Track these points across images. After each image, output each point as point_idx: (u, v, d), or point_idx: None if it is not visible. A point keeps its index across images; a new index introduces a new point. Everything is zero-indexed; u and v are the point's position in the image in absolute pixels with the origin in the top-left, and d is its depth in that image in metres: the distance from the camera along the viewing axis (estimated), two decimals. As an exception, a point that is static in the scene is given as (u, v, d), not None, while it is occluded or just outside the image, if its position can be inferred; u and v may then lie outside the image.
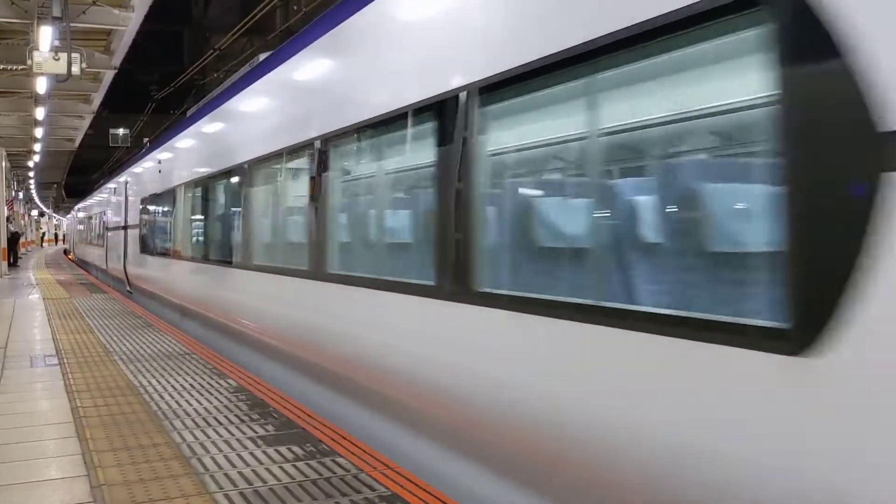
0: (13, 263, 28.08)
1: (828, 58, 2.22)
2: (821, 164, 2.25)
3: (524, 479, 3.55)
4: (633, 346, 2.93)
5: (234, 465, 4.19)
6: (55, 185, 55.43)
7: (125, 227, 18.13)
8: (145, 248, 15.16)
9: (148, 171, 15.51)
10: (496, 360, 3.79)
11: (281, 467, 4.16)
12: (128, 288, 17.57)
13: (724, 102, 3.16)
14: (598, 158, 3.47)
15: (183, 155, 12.28)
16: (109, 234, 21.79)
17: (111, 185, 22.92)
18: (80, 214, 36.54)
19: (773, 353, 2.37)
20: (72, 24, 12.39)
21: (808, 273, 2.28)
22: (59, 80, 13.48)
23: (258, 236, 8.12)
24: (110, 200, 22.41)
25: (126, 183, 18.52)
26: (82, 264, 32.31)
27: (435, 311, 4.20)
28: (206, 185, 10.30)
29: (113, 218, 21.31)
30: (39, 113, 18.83)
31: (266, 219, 8.04)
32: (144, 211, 15.47)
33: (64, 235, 71.52)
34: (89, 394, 6.06)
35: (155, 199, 14.16)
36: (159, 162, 14.06)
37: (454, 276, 4.05)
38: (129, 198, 17.74)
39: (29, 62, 12.47)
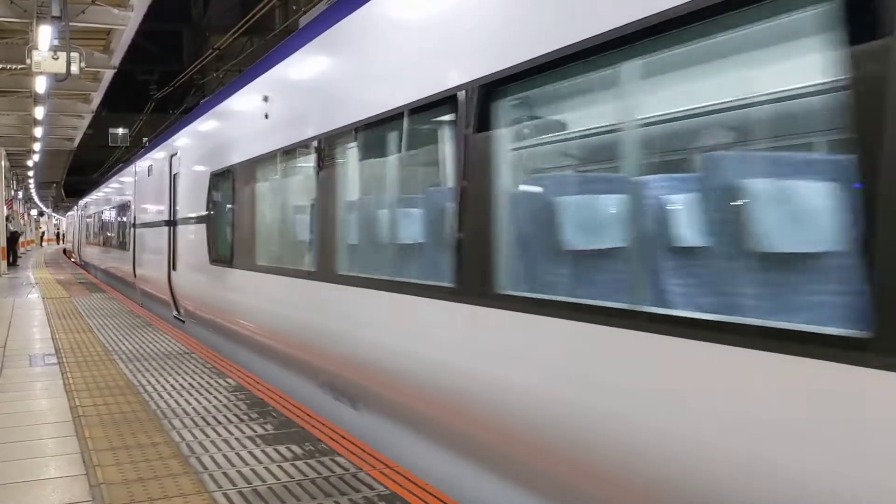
0: (12, 263, 28.07)
1: None
2: None
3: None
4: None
5: (232, 465, 4.19)
6: (55, 185, 55.42)
7: (171, 223, 11.86)
8: (223, 254, 8.95)
9: (232, 123, 9.02)
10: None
11: (280, 466, 4.16)
12: (175, 313, 11.86)
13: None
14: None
15: (342, 76, 5.93)
16: (139, 232, 15.33)
17: (143, 162, 15.72)
18: (89, 210, 29.31)
19: None
20: (71, 24, 12.38)
21: None
22: (58, 80, 13.46)
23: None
24: (141, 185, 15.71)
25: (175, 155, 12.03)
26: (89, 270, 27.31)
27: None
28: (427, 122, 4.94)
29: (145, 209, 14.91)
30: (39, 112, 18.82)
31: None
32: (219, 194, 9.25)
33: (65, 235, 69.47)
34: (88, 393, 6.06)
35: (253, 168, 7.91)
36: (265, 100, 7.55)
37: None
38: (183, 176, 11.33)
39: (28, 61, 12.46)
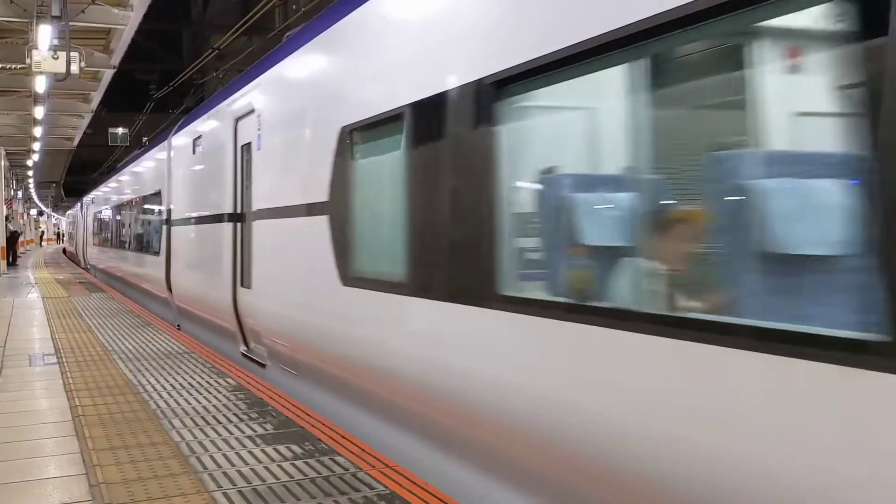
0: (12, 262, 28.08)
1: None
2: None
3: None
4: None
5: (232, 464, 4.19)
6: (54, 185, 55.47)
7: (237, 218, 8.36)
8: (383, 269, 5.01)
9: (399, 32, 4.86)
10: None
11: (280, 466, 4.16)
12: (244, 348, 8.13)
13: None
14: None
15: None
16: (177, 231, 11.61)
17: (183, 136, 11.45)
18: (100, 204, 24.56)
19: None
20: (71, 23, 12.39)
21: None
22: (58, 79, 13.48)
23: None
24: (180, 167, 11.70)
25: (244, 116, 8.09)
26: (98, 276, 23.66)
27: None
28: None
29: (187, 200, 11.03)
30: (38, 112, 18.85)
31: None
32: (366, 163, 5.40)
33: (65, 234, 68.29)
34: (88, 392, 6.06)
35: (477, 106, 3.83)
36: None
37: None
38: (265, 145, 7.35)
39: (28, 61, 12.50)
